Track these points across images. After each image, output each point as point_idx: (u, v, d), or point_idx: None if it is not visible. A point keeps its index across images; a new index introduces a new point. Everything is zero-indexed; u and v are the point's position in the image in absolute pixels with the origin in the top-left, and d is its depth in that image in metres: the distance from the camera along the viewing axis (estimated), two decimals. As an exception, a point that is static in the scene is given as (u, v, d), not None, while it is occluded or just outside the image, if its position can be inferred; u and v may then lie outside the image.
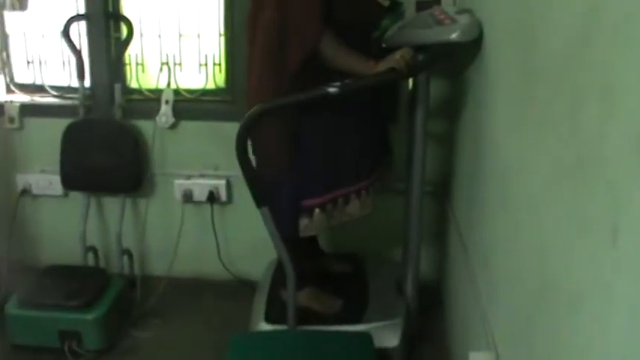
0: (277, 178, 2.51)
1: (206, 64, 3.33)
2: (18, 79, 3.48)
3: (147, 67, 3.38)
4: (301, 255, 2.62)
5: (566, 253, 1.25)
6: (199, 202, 3.39)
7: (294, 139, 2.48)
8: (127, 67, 3.37)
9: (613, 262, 1.01)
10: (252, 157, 2.45)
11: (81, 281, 3.00)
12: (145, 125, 3.32)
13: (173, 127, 3.31)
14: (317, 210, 2.54)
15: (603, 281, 1.06)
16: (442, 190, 3.17)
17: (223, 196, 3.37)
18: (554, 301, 1.33)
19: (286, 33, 2.32)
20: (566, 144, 1.27)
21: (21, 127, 3.40)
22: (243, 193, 2.83)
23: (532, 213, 1.56)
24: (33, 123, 3.41)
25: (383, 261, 3.25)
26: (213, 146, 3.29)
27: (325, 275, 2.98)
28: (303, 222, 2.55)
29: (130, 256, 3.37)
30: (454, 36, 2.29)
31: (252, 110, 2.24)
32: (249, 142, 2.34)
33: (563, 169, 1.30)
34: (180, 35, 3.31)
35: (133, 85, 3.39)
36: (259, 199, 2.35)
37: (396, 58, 2.31)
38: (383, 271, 3.07)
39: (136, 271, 3.40)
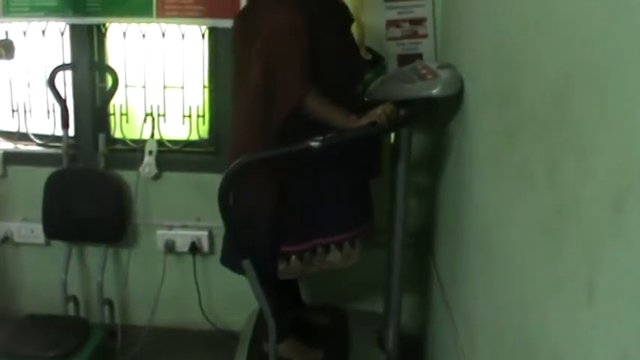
0: (264, 216, 2.52)
1: (190, 116, 3.35)
2: (2, 127, 3.49)
3: (131, 117, 3.39)
4: (282, 305, 2.62)
5: (543, 309, 1.26)
6: (181, 253, 3.38)
7: (279, 187, 2.49)
8: (112, 117, 3.38)
9: (590, 319, 1.02)
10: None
11: (61, 331, 2.96)
12: (128, 175, 3.32)
13: (156, 177, 3.31)
14: (293, 257, 2.54)
15: (581, 339, 1.06)
16: (424, 242, 3.17)
17: (205, 246, 3.37)
18: (533, 359, 1.33)
19: (273, 91, 2.35)
20: (543, 201, 1.29)
21: (4, 175, 3.40)
22: (225, 244, 2.82)
23: (511, 268, 1.56)
24: (16, 171, 3.40)
25: (364, 313, 3.23)
26: (196, 197, 3.29)
27: (306, 327, 2.96)
28: (281, 266, 2.55)
29: (111, 305, 3.33)
30: (435, 91, 2.32)
31: (234, 163, 2.25)
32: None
33: (539, 225, 1.31)
34: (164, 87, 3.33)
35: (117, 135, 3.40)
36: (240, 251, 2.36)
37: (378, 113, 2.34)
38: (364, 324, 3.05)
39: (117, 320, 3.36)
